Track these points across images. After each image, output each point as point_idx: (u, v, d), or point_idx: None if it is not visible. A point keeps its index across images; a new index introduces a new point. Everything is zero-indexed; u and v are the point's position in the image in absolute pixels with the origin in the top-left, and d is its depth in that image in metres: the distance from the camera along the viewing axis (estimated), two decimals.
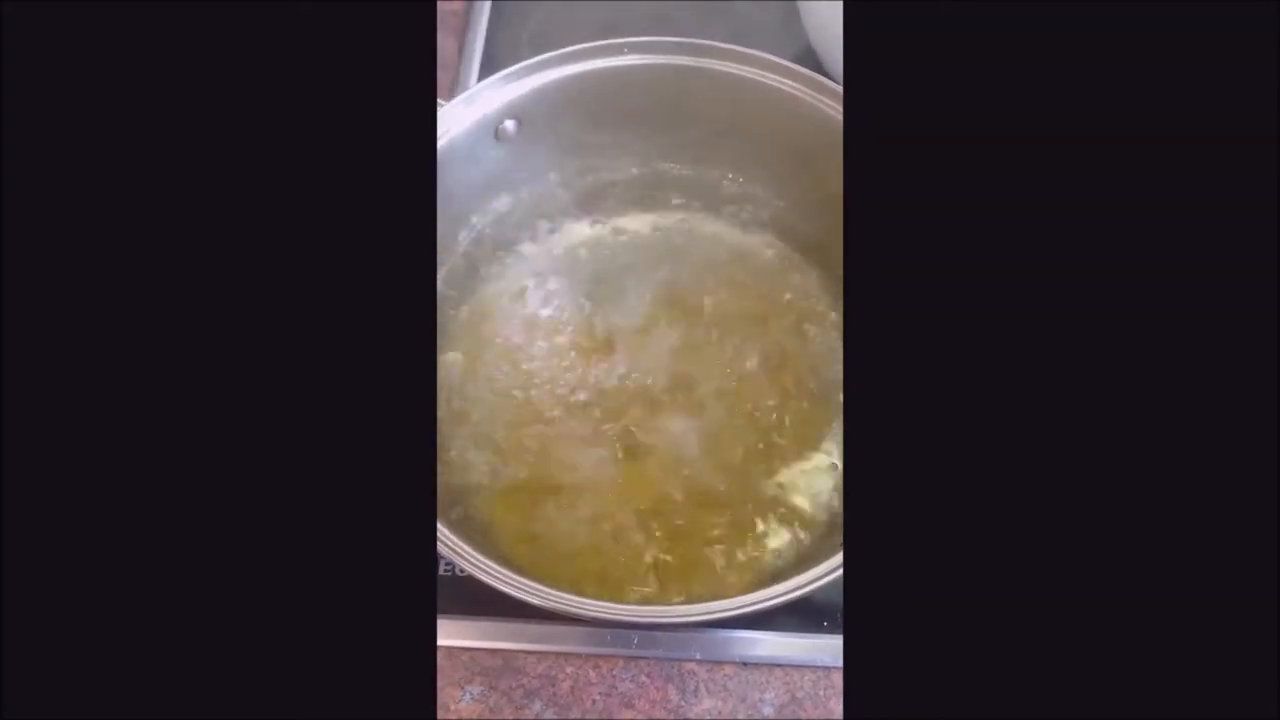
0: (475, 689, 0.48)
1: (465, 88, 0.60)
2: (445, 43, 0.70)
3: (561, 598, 0.39)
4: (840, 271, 0.54)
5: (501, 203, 0.56)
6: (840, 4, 0.57)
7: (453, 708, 0.48)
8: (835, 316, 0.55)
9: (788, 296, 0.56)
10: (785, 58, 0.50)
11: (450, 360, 0.54)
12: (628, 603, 0.46)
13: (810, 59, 0.63)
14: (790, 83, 0.50)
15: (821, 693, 0.48)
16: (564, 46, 0.51)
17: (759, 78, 0.50)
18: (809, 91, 0.49)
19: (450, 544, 0.39)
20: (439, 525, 0.39)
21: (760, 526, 0.50)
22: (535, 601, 0.38)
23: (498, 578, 0.39)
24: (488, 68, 0.67)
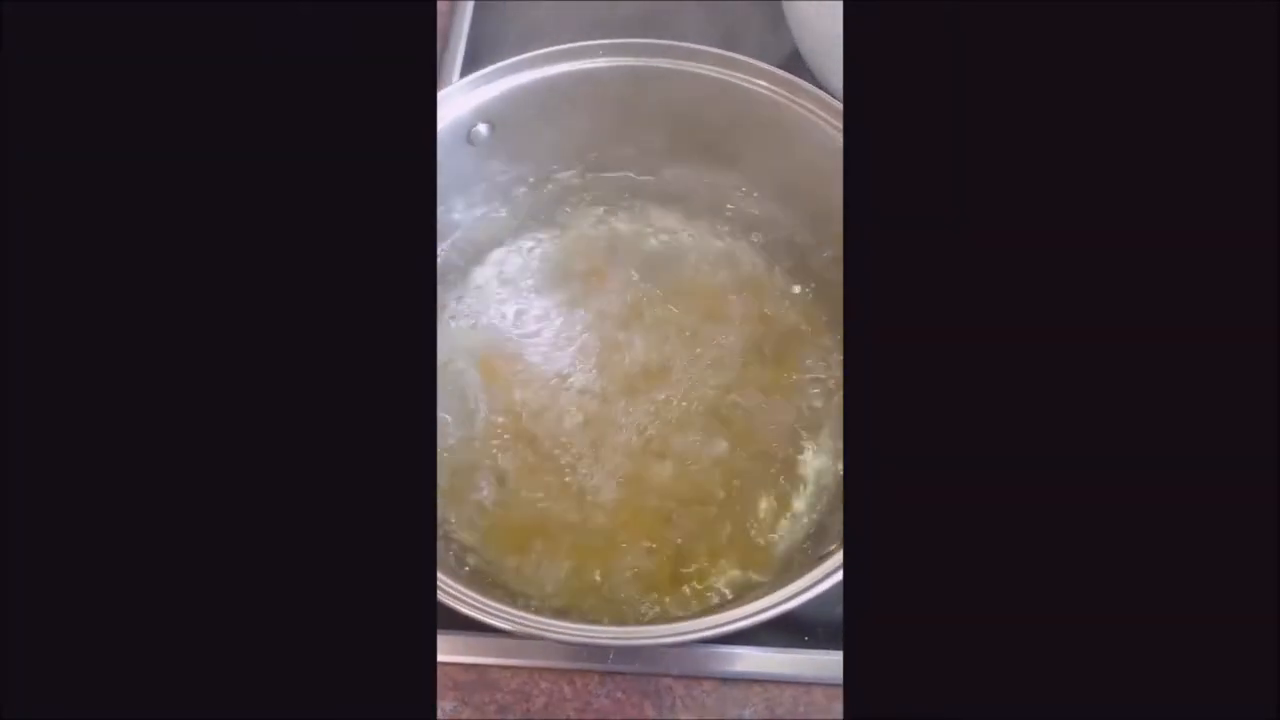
0: (448, 704, 0.47)
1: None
2: None
3: (528, 619, 0.38)
4: (824, 275, 0.54)
5: (476, 208, 0.55)
6: (823, 4, 0.56)
7: None
8: (823, 320, 0.54)
9: (769, 303, 0.55)
10: (775, 59, 0.49)
11: None
12: (603, 622, 0.45)
13: (797, 63, 0.62)
14: (769, 86, 0.49)
15: (802, 709, 0.47)
16: (547, 48, 0.50)
17: (738, 81, 0.49)
18: (789, 95, 0.48)
19: None
20: None
21: (750, 540, 0.49)
22: (505, 626, 0.38)
23: (467, 602, 0.38)
24: (470, 70, 0.66)
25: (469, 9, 0.70)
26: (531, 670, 0.48)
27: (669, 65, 0.50)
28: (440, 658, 0.48)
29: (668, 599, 0.47)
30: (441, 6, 0.71)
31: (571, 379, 0.53)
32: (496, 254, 0.57)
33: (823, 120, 0.48)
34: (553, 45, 0.50)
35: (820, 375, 0.53)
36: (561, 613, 0.45)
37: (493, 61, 0.50)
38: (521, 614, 0.38)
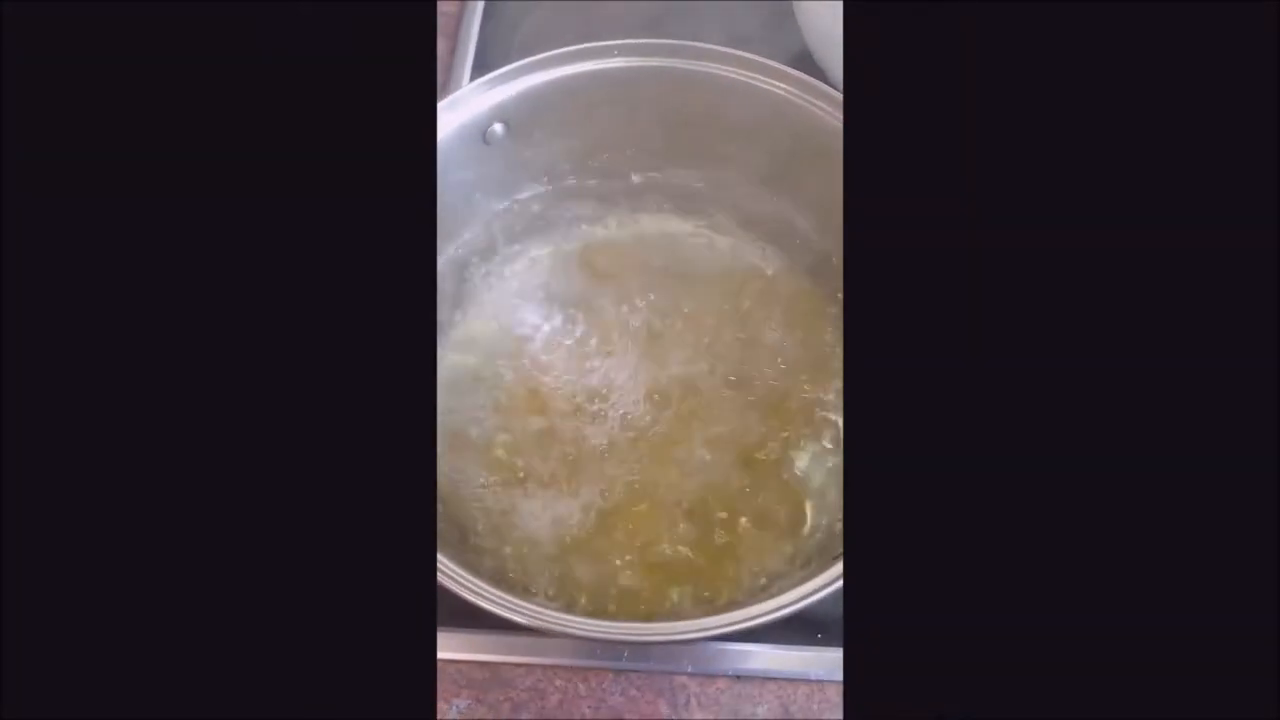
0: (462, 702, 0.47)
1: (458, 89, 0.60)
2: (438, 44, 0.69)
3: (545, 614, 0.38)
4: (832, 279, 0.53)
5: (491, 207, 0.55)
6: (832, 4, 0.56)
7: None
8: (830, 320, 0.54)
9: (787, 305, 0.55)
10: (782, 59, 0.49)
11: (440, 368, 0.53)
12: (617, 619, 0.45)
13: (806, 61, 0.62)
14: (783, 85, 0.49)
15: (816, 706, 0.47)
16: (556, 49, 0.50)
17: (751, 80, 0.49)
18: (802, 95, 0.48)
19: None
20: None
21: (755, 549, 0.49)
22: (520, 620, 0.38)
23: (481, 594, 0.38)
24: (480, 70, 0.66)
25: (479, 9, 0.70)
26: (545, 668, 0.48)
27: (684, 65, 0.50)
28: (454, 655, 0.48)
29: (682, 597, 0.47)
30: (451, 8, 0.71)
31: (584, 379, 0.53)
32: (510, 252, 0.56)
33: (838, 120, 0.48)
34: (562, 46, 0.50)
35: (837, 378, 0.52)
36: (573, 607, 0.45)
37: (503, 63, 0.50)
38: (537, 608, 0.38)
